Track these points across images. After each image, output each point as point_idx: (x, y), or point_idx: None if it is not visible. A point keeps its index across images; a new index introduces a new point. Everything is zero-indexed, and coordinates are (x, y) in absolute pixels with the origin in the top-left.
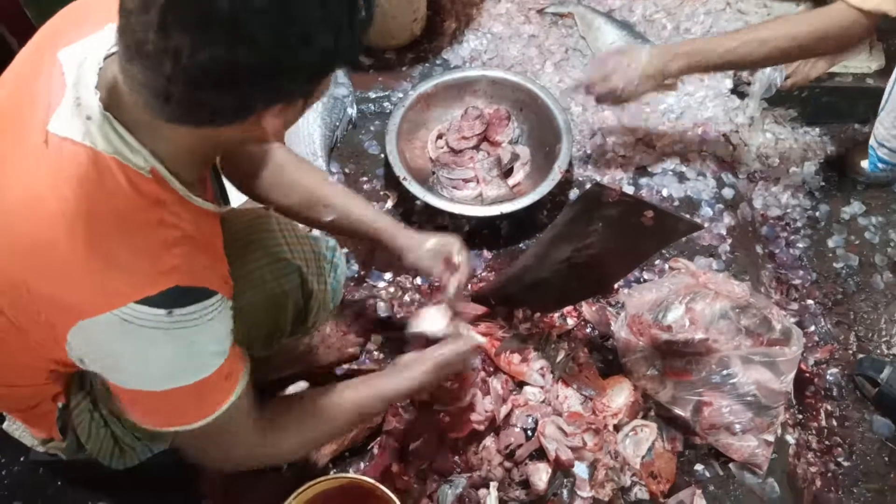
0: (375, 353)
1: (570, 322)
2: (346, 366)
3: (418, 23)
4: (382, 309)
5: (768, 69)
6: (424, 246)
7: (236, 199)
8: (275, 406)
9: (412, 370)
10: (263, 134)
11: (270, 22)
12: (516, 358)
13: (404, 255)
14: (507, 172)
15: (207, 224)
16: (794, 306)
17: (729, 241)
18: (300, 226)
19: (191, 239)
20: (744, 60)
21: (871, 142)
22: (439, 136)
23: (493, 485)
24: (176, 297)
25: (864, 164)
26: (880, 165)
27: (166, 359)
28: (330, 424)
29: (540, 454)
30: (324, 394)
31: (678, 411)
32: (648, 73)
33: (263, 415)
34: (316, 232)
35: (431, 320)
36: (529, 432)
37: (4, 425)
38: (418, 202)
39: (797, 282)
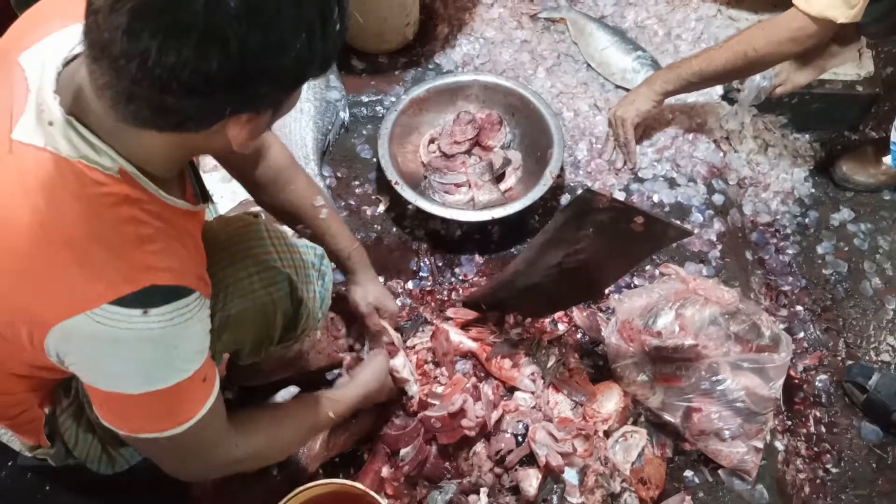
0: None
1: (561, 327)
2: (336, 370)
3: (411, 27)
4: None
5: (757, 77)
6: (367, 297)
7: (225, 204)
8: (241, 412)
9: (347, 389)
10: (227, 143)
11: (243, 28)
12: (507, 363)
13: (351, 292)
14: (498, 177)
15: (184, 222)
16: (784, 312)
17: (719, 247)
18: (289, 233)
19: (165, 237)
20: (715, 73)
21: (893, 137)
22: (431, 141)
23: (484, 491)
24: (152, 297)
25: (887, 160)
26: None
27: (142, 361)
28: (291, 430)
29: (530, 460)
30: (296, 401)
31: (668, 417)
32: (640, 93)
33: (233, 418)
34: (305, 240)
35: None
36: (520, 438)
37: None
38: (410, 206)
39: (786, 288)
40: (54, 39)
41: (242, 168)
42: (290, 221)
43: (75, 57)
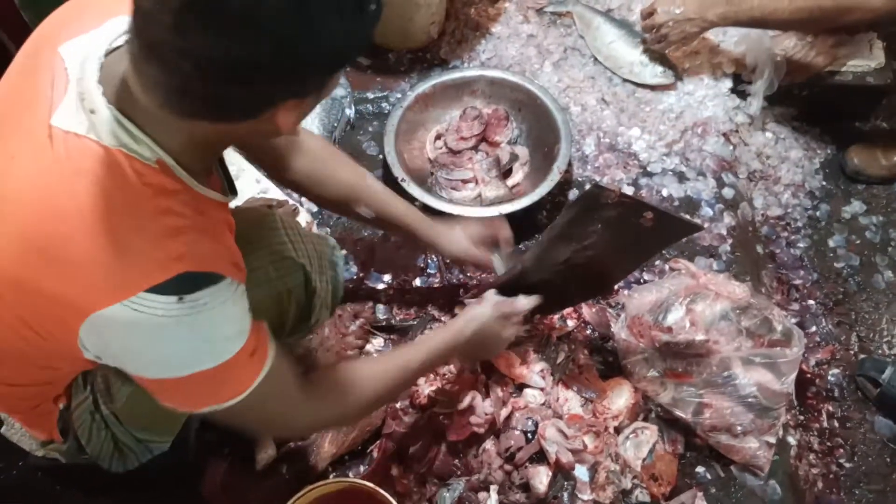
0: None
1: (570, 324)
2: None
3: (436, 26)
4: (381, 311)
5: (767, 69)
6: (461, 242)
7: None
8: (317, 374)
9: (433, 333)
10: (276, 129)
11: (285, 16)
12: (516, 360)
13: (443, 252)
14: (506, 173)
15: (216, 212)
16: (795, 307)
17: (729, 241)
18: (303, 223)
19: (198, 227)
20: (772, 17)
21: None
22: (438, 137)
23: (494, 488)
24: (185, 283)
25: None
26: None
27: (182, 346)
28: (375, 384)
29: (540, 457)
30: (367, 361)
31: (679, 413)
32: (689, 15)
33: (309, 380)
34: (317, 231)
35: None
36: (530, 435)
37: (2, 430)
38: (417, 203)
39: (798, 282)
40: (96, 33)
41: (276, 168)
42: (343, 207)
43: (117, 48)
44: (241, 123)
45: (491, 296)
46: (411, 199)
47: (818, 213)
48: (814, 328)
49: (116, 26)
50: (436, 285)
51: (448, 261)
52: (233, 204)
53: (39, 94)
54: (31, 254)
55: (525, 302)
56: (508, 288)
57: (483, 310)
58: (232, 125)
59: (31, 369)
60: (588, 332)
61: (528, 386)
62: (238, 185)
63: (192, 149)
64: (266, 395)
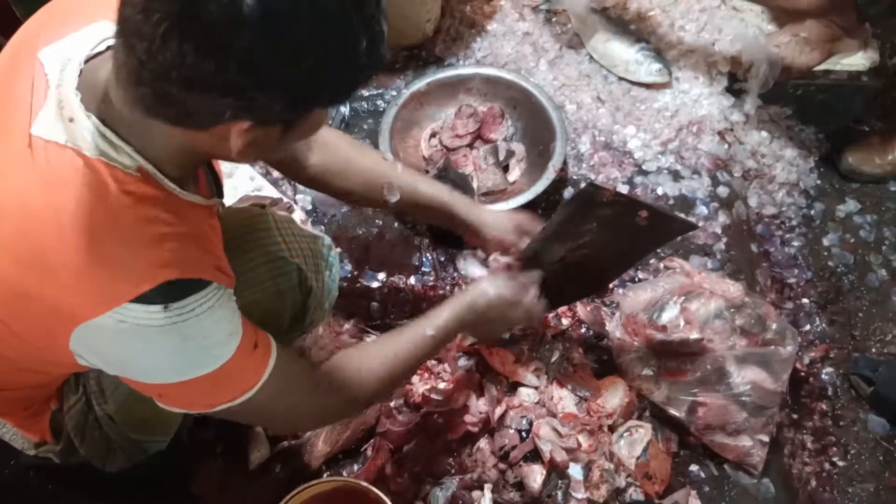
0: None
1: (565, 322)
2: None
3: (431, 23)
4: (376, 309)
5: (762, 67)
6: (506, 223)
7: (230, 196)
8: (327, 362)
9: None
10: (228, 150)
11: (250, 35)
12: (511, 358)
13: (483, 230)
14: (503, 170)
15: (200, 217)
16: (789, 305)
17: (724, 239)
18: (298, 223)
19: (183, 233)
20: None
21: None
22: (433, 135)
23: (488, 487)
24: (171, 291)
25: None
26: None
27: (173, 353)
28: (385, 366)
29: (534, 456)
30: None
31: (673, 412)
32: None
33: (318, 370)
34: (311, 229)
35: None
36: (524, 433)
37: None
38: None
39: (792, 280)
40: (76, 38)
41: (293, 167)
42: (369, 195)
43: (98, 55)
44: (196, 132)
45: (501, 273)
46: None
47: (812, 212)
48: (808, 327)
49: (97, 32)
50: (430, 283)
51: (472, 241)
52: (227, 202)
53: (19, 100)
54: (15, 266)
55: (528, 279)
56: None
57: (491, 287)
58: (188, 132)
59: (22, 374)
60: (583, 330)
61: (523, 384)
62: (232, 182)
63: (173, 155)
64: (279, 387)
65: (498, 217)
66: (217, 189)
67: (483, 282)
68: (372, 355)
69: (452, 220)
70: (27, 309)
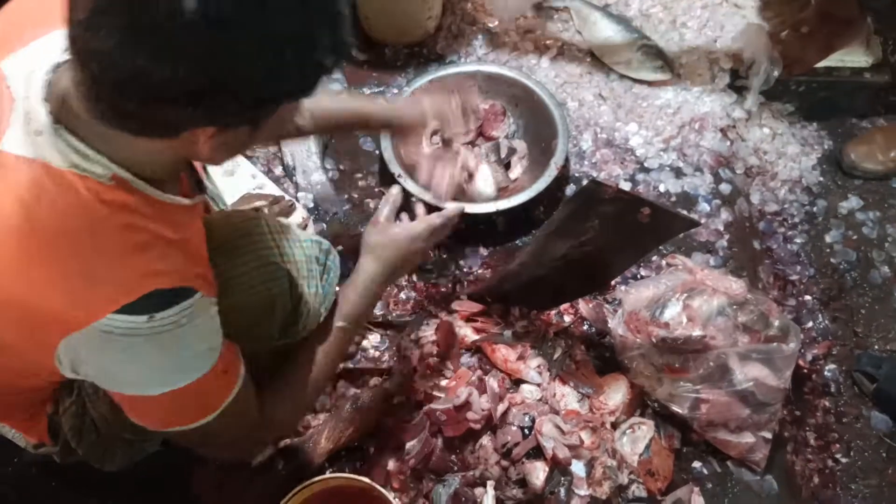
0: (371, 350)
1: (567, 319)
2: (341, 364)
3: (433, 21)
4: (377, 306)
5: (764, 64)
6: (422, 107)
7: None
8: (264, 386)
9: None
10: (198, 155)
11: (202, 41)
12: (513, 356)
13: (401, 120)
14: (505, 167)
15: (183, 219)
16: (792, 302)
17: (726, 236)
18: (294, 228)
19: (165, 239)
20: None
21: None
22: (434, 133)
23: (490, 484)
24: (155, 302)
25: None
26: None
27: (156, 364)
28: (318, 371)
29: (537, 452)
30: (300, 349)
31: (676, 409)
32: None
33: (261, 397)
34: (311, 234)
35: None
36: (526, 430)
37: None
38: (413, 199)
39: (795, 277)
40: (39, 46)
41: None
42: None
43: (61, 64)
44: (160, 141)
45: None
46: (408, 195)
47: (815, 209)
48: (810, 323)
49: (61, 39)
50: (433, 281)
51: (398, 136)
52: (229, 200)
53: None
54: (10, 279)
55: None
56: (504, 284)
57: (385, 238)
58: (153, 141)
59: (18, 381)
60: (585, 327)
61: (525, 381)
62: (233, 181)
63: (148, 162)
64: (231, 414)
65: (412, 101)
66: (198, 186)
67: (370, 238)
68: (299, 381)
69: (369, 123)
70: (15, 320)
